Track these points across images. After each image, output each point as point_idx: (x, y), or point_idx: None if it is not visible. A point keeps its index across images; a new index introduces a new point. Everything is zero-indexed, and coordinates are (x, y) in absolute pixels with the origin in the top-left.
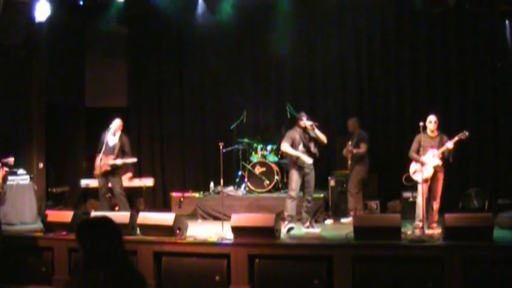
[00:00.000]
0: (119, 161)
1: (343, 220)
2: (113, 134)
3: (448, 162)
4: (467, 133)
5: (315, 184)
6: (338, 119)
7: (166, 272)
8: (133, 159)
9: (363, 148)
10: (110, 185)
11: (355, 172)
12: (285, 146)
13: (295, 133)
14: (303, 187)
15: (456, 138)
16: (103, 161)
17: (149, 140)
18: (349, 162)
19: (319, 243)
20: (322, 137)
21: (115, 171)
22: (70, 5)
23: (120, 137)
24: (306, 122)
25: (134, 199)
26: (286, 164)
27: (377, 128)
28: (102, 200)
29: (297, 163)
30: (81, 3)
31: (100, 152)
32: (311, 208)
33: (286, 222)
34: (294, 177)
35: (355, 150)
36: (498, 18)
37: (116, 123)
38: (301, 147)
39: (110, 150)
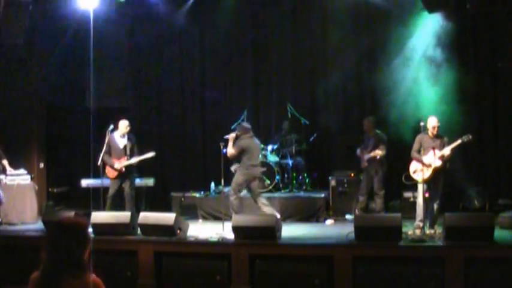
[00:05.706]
0: (134, 160)
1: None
2: (122, 136)
3: (446, 166)
4: (470, 136)
5: (315, 184)
6: (339, 119)
7: (167, 272)
8: (151, 154)
9: (383, 150)
10: (122, 185)
11: (378, 176)
12: None
13: None
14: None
15: (455, 144)
16: (117, 164)
17: (149, 140)
18: (365, 164)
19: (319, 243)
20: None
21: (128, 173)
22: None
23: (130, 138)
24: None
25: (134, 199)
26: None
27: (377, 127)
28: (108, 201)
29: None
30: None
31: (106, 153)
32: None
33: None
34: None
35: (372, 153)
36: (498, 18)
37: (124, 125)
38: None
39: (121, 152)
